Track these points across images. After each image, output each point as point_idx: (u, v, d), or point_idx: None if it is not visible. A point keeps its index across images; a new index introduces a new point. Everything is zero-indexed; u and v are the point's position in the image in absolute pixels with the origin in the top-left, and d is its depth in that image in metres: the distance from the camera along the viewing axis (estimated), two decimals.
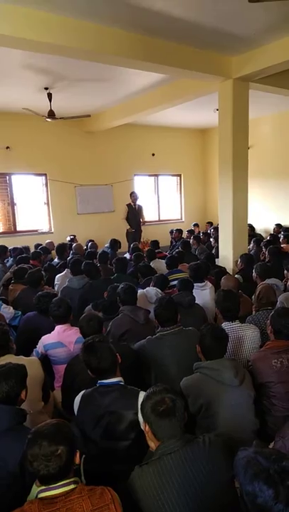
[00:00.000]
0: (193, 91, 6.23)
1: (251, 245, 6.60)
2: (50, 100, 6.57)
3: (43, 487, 1.42)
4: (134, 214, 8.73)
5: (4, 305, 3.85)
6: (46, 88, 6.34)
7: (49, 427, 1.50)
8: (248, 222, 6.48)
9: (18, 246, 7.20)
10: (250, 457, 1.16)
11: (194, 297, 3.71)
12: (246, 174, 5.78)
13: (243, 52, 5.10)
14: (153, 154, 10.41)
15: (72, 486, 1.43)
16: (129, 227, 8.67)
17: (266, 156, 9.39)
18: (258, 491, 1.10)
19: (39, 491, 1.43)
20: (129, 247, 7.75)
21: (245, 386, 2.21)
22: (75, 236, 8.45)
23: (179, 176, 11.35)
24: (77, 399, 2.11)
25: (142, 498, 1.54)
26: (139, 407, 1.86)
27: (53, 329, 3.14)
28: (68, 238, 8.28)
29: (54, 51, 4.16)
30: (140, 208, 8.93)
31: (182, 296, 3.64)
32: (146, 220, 9.44)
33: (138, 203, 8.89)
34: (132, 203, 8.77)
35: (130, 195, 8.85)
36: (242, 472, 1.14)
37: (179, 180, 11.42)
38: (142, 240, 8.68)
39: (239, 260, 5.25)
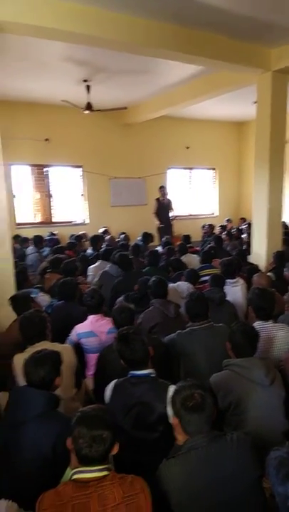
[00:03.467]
0: (231, 83, 6.13)
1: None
2: (88, 92, 6.65)
3: (78, 469, 1.48)
4: (163, 209, 8.67)
5: (41, 293, 3.97)
6: (85, 80, 6.41)
7: (97, 410, 1.57)
8: (282, 220, 6.31)
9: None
10: (282, 457, 1.16)
11: (225, 294, 3.68)
12: (282, 169, 5.64)
13: (283, 44, 4.96)
14: (188, 147, 10.31)
15: (105, 473, 1.47)
16: (158, 222, 8.61)
17: None
18: None
19: (74, 472, 1.48)
20: (160, 240, 7.75)
21: (275, 386, 2.19)
22: (107, 228, 8.55)
23: (214, 169, 11.18)
24: (109, 387, 2.16)
25: (169, 489, 1.57)
26: (168, 400, 1.89)
27: (82, 316, 3.22)
28: (101, 230, 8.39)
29: (92, 43, 4.21)
30: (169, 202, 8.85)
31: (213, 292, 3.62)
32: (176, 214, 9.12)
33: (168, 197, 8.79)
34: (162, 197, 8.70)
35: (159, 189, 8.77)
36: (274, 472, 1.14)
37: (213, 174, 11.26)
38: (174, 234, 8.64)
39: (272, 258, 5.15)
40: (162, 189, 8.77)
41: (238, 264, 4.68)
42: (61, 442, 1.59)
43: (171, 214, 8.85)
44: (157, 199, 8.71)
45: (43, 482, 1.57)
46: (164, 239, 7.15)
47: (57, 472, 1.71)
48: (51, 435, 1.78)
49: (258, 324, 2.81)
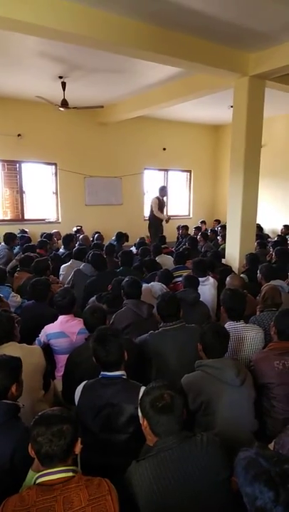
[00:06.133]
0: (208, 87, 6.17)
1: (254, 246, 6.54)
2: (63, 89, 6.54)
3: (42, 472, 1.44)
4: (162, 209, 8.54)
5: (13, 293, 3.87)
6: (61, 77, 6.30)
7: (55, 410, 1.55)
8: (256, 222, 6.43)
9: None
10: (251, 458, 1.15)
11: (199, 295, 3.70)
12: (258, 173, 5.73)
13: (261, 50, 5.03)
14: (164, 149, 10.35)
15: (70, 474, 1.44)
16: (167, 217, 8.45)
17: (278, 156, 9.30)
18: (258, 492, 1.09)
19: (38, 476, 1.44)
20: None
21: (246, 386, 2.20)
22: (81, 227, 8.45)
23: (189, 171, 11.29)
24: (79, 388, 2.12)
25: (138, 492, 1.54)
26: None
27: (52, 317, 3.15)
28: (74, 229, 8.28)
29: (65, 38, 4.11)
30: (164, 203, 8.77)
31: (187, 292, 3.63)
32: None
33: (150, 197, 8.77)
34: (161, 197, 8.47)
35: (161, 189, 8.54)
36: (242, 473, 1.14)
37: (188, 176, 11.36)
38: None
39: (244, 259, 5.23)
40: (164, 190, 8.59)
41: (211, 264, 4.72)
42: (19, 452, 1.53)
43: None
44: (158, 197, 8.43)
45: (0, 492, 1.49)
46: (138, 239, 7.12)
47: (14, 483, 1.63)
48: (8, 446, 1.69)
49: (229, 325, 2.84)
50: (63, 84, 6.48)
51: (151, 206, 8.37)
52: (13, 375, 1.92)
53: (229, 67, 5.08)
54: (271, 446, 1.98)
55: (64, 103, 6.69)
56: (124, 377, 2.11)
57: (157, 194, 8.49)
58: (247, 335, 2.85)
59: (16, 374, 1.95)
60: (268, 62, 5.03)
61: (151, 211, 8.33)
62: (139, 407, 1.72)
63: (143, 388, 1.99)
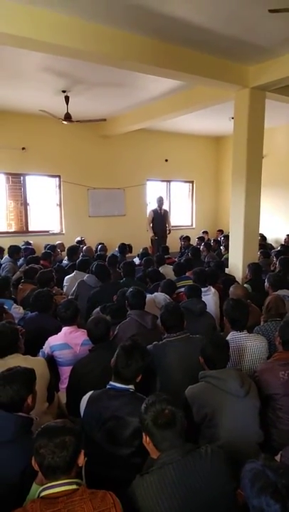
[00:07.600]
0: (210, 99, 6.25)
1: (258, 256, 6.53)
2: (67, 103, 6.65)
3: (46, 485, 1.43)
4: (160, 220, 8.65)
5: (15, 305, 3.87)
6: (64, 91, 6.41)
7: (58, 422, 1.55)
8: (259, 232, 6.44)
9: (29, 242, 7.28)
10: (257, 470, 1.14)
11: (205, 304, 3.68)
12: (259, 184, 5.76)
13: (261, 62, 5.11)
14: (166, 160, 10.44)
15: (74, 487, 1.43)
16: (152, 234, 8.62)
17: (280, 166, 9.35)
18: (264, 505, 1.08)
19: (42, 490, 1.43)
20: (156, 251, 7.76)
21: (250, 397, 2.19)
22: (84, 239, 8.48)
23: (192, 182, 11.35)
24: (85, 398, 2.11)
25: (143, 506, 1.52)
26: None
27: (56, 328, 3.15)
28: (78, 238, 8.31)
29: (74, 55, 4.21)
30: (166, 213, 8.89)
31: (193, 303, 3.62)
32: (171, 225, 9.16)
33: (164, 208, 8.86)
34: (158, 209, 8.67)
35: (157, 200, 8.72)
36: (249, 485, 1.12)
37: (191, 187, 11.42)
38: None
39: (247, 269, 5.22)
40: (159, 200, 8.72)
41: (214, 274, 4.71)
42: (30, 467, 1.52)
43: (167, 225, 8.86)
44: (154, 210, 8.66)
45: (6, 508, 1.48)
46: (141, 250, 7.14)
47: (19, 496, 1.62)
48: (21, 461, 1.68)
49: (232, 335, 2.83)
50: (66, 98, 6.58)
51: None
52: (29, 386, 1.94)
53: (230, 80, 5.15)
54: (277, 457, 1.96)
55: (67, 117, 6.78)
56: (132, 390, 2.10)
57: (156, 206, 8.70)
58: (250, 345, 2.83)
59: (31, 385, 1.96)
60: (267, 74, 5.10)
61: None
62: (140, 423, 1.70)
63: None
